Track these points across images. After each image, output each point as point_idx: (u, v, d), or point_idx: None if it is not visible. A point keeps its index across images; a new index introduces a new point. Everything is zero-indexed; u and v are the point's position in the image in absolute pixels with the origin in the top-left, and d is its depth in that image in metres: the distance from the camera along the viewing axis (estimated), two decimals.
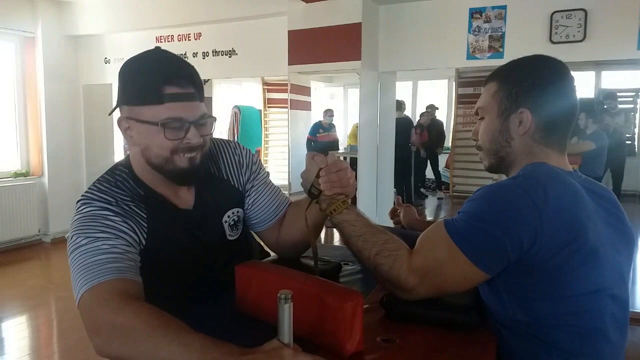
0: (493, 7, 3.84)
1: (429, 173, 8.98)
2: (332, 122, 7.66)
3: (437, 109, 8.72)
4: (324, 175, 1.10)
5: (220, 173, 1.29)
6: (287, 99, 5.38)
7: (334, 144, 7.61)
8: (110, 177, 1.16)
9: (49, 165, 5.61)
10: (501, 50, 3.84)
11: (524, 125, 1.03)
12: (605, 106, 6.96)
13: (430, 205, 8.48)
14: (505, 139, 1.07)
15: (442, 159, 9.10)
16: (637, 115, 8.54)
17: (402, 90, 9.48)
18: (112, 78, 5.71)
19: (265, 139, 9.30)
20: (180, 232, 1.19)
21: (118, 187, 1.14)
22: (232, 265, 1.12)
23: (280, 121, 8.80)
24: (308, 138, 6.96)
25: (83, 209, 1.08)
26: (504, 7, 3.80)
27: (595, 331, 0.95)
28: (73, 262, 1.01)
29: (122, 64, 1.12)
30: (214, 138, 1.30)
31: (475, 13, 3.91)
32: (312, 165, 1.13)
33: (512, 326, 0.97)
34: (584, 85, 9.11)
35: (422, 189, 8.84)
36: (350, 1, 3.97)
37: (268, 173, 1.41)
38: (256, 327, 0.98)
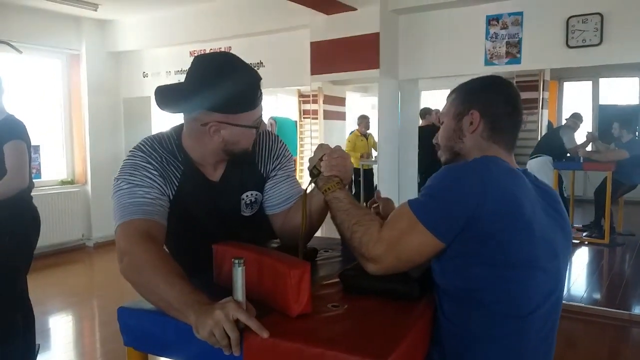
0: (510, 14, 3.89)
1: None
2: (368, 132, 7.67)
3: None
4: (325, 159, 1.28)
5: (253, 158, 1.47)
6: (321, 110, 5.58)
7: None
8: (160, 139, 1.40)
9: (92, 174, 5.98)
10: (518, 56, 3.89)
11: (474, 124, 1.20)
12: None
13: None
14: (459, 136, 1.23)
15: None
16: None
17: (433, 99, 9.48)
18: (149, 91, 6.04)
19: (301, 149, 9.51)
20: (203, 198, 1.41)
21: (163, 147, 1.37)
22: (239, 236, 1.33)
23: (315, 132, 8.99)
24: None
25: (131, 158, 1.34)
26: (520, 14, 3.85)
27: (523, 299, 1.05)
28: (115, 201, 1.28)
29: (199, 74, 1.26)
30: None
31: (492, 20, 3.97)
32: (318, 150, 1.33)
33: (452, 292, 1.08)
34: (628, 91, 8.88)
35: None
36: (369, 12, 4.12)
37: (295, 169, 1.59)
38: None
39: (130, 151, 1.36)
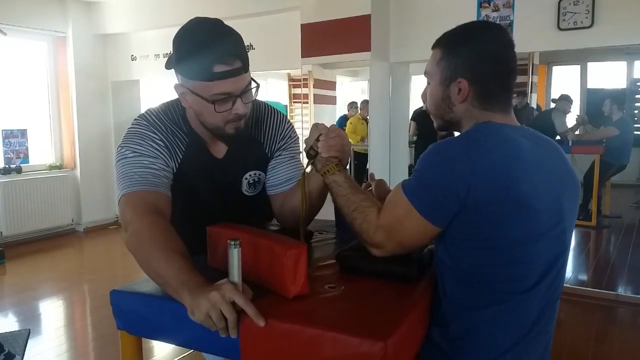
0: None
1: None
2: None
3: None
4: (322, 140, 1.24)
5: (259, 136, 1.45)
6: (312, 94, 5.55)
7: None
8: (166, 109, 1.36)
9: (81, 158, 5.92)
10: None
11: (462, 94, 1.11)
12: (638, 95, 6.80)
13: None
14: (447, 105, 1.15)
15: None
16: None
17: (420, 83, 9.46)
18: (138, 74, 5.97)
19: None
20: (206, 174, 1.39)
21: (169, 118, 1.34)
22: (239, 216, 1.29)
23: (306, 116, 8.95)
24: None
25: (136, 127, 1.30)
26: None
27: (526, 273, 1.04)
28: (119, 169, 1.25)
29: (177, 32, 1.23)
30: (267, 104, 1.48)
31: (484, 2, 3.94)
32: (314, 130, 1.27)
33: (454, 272, 1.08)
34: (615, 75, 8.93)
35: None
36: None
37: (300, 152, 1.53)
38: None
39: (135, 119, 1.33)
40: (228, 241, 0.94)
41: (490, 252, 1.02)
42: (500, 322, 1.05)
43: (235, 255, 0.95)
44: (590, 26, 3.57)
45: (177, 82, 1.28)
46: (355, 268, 1.16)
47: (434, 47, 1.18)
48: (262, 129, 1.45)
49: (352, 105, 7.83)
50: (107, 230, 6.02)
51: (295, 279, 1.00)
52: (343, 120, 7.56)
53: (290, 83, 9.56)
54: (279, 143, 1.47)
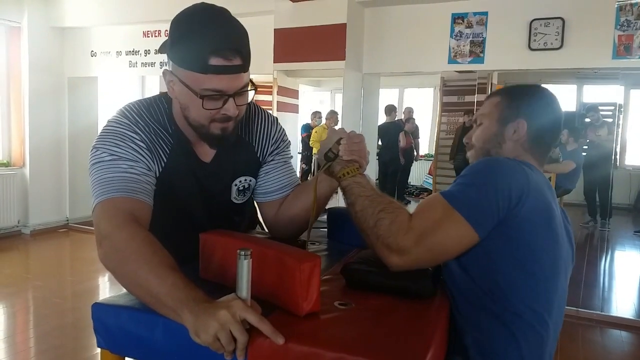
0: (475, 13, 3.93)
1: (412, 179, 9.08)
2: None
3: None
4: (344, 143, 1.17)
5: (250, 139, 1.33)
6: (275, 101, 5.46)
7: None
8: (149, 105, 1.21)
9: (31, 157, 5.59)
10: (482, 55, 3.93)
11: (518, 133, 1.16)
12: (588, 119, 7.08)
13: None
14: (499, 141, 1.18)
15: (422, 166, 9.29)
16: (619, 129, 8.68)
17: (390, 97, 9.57)
18: (98, 71, 5.71)
19: None
20: (192, 179, 1.25)
21: (152, 116, 1.19)
22: (226, 224, 1.18)
23: None
24: (304, 136, 7.11)
25: (114, 126, 1.15)
26: (485, 14, 3.89)
27: (548, 303, 1.03)
28: (93, 174, 1.10)
29: (175, 16, 1.11)
30: (258, 106, 1.36)
31: (457, 18, 3.99)
32: (333, 133, 1.22)
33: (469, 294, 1.03)
34: (567, 98, 9.30)
35: (405, 195, 8.91)
36: (336, 2, 4.04)
37: (292, 157, 1.44)
38: (220, 292, 1.02)
39: (114, 116, 1.18)
40: (238, 251, 0.84)
41: (519, 275, 0.99)
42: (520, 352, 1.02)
43: (245, 267, 0.85)
44: (560, 47, 3.67)
45: (167, 68, 1.15)
46: (365, 283, 1.07)
47: (491, 95, 1.23)
48: (253, 131, 1.33)
49: (315, 114, 7.79)
50: (56, 233, 5.69)
51: (308, 295, 0.91)
52: (307, 128, 7.50)
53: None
54: (271, 147, 1.36)
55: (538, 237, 0.98)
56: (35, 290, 4.02)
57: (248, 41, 1.13)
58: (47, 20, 5.57)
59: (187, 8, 1.11)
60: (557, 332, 1.10)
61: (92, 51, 5.63)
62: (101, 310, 1.00)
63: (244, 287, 0.85)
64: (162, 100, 1.23)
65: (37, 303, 3.75)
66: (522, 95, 1.20)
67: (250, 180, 1.36)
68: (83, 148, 5.89)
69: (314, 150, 7.81)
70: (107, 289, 4.12)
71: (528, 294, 1.00)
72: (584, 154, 6.21)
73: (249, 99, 1.19)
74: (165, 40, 1.15)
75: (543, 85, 1.24)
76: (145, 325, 0.95)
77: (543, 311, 1.01)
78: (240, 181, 1.33)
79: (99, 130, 1.19)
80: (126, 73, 5.54)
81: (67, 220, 5.94)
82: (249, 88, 1.15)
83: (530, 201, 0.96)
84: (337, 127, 1.22)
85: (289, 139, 1.41)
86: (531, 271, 0.99)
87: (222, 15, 1.10)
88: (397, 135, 7.69)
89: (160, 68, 5.18)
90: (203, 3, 1.12)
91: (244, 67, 1.11)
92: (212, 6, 1.11)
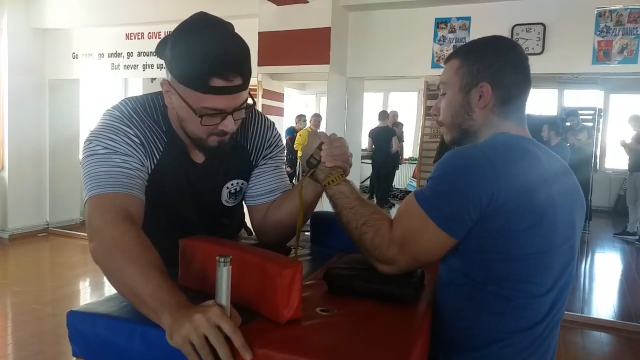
0: (458, 18, 3.96)
1: (397, 182, 9.13)
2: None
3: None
4: (326, 148, 1.15)
5: (245, 142, 1.31)
6: (260, 104, 5.45)
7: None
8: (145, 102, 1.20)
9: (10, 160, 5.49)
10: None
11: (484, 99, 1.08)
12: (568, 123, 7.17)
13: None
14: (467, 112, 1.10)
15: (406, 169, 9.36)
16: (599, 133, 8.83)
17: (374, 101, 9.62)
18: (79, 73, 5.64)
19: None
20: (184, 179, 1.25)
21: (147, 113, 1.19)
22: (215, 227, 1.18)
23: None
24: (288, 139, 7.12)
25: (109, 120, 1.14)
26: (468, 19, 3.93)
27: (541, 283, 1.01)
28: (86, 166, 1.09)
29: (180, 24, 1.08)
30: (256, 109, 1.33)
31: (440, 23, 4.02)
32: (314, 138, 1.19)
33: (465, 288, 1.02)
34: (548, 102, 9.42)
35: (389, 198, 8.95)
36: (320, 5, 4.04)
37: (285, 163, 1.43)
38: (201, 299, 1.00)
39: (108, 111, 1.17)
40: (217, 258, 0.83)
41: (509, 263, 0.98)
42: (513, 337, 1.01)
43: (224, 275, 0.83)
44: (541, 53, 3.71)
45: (165, 78, 1.14)
46: (347, 288, 1.06)
47: (449, 58, 1.15)
48: (248, 135, 1.32)
49: (300, 117, 7.81)
50: (36, 237, 5.59)
51: (289, 302, 0.89)
52: (291, 132, 7.50)
53: None
54: (265, 151, 1.35)
55: (519, 225, 0.95)
56: (13, 296, 3.95)
57: (249, 58, 1.11)
58: (27, 21, 5.49)
59: (190, 19, 1.09)
60: (562, 297, 1.06)
61: (74, 53, 5.56)
62: (77, 318, 0.97)
63: (224, 294, 0.84)
64: (159, 99, 1.22)
65: (16, 309, 3.68)
66: (478, 53, 1.10)
67: (242, 184, 1.35)
68: (64, 150, 5.82)
69: (299, 154, 7.82)
70: (87, 294, 4.06)
71: (515, 277, 0.99)
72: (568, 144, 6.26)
73: (245, 115, 1.18)
74: (163, 44, 1.12)
75: (498, 35, 1.14)
76: (122, 334, 0.93)
77: (534, 288, 1.00)
78: (232, 184, 1.32)
79: (80, 134, 1.17)
80: (108, 75, 5.48)
81: (47, 225, 5.84)
82: (247, 103, 1.14)
83: (503, 194, 0.94)
84: (319, 130, 1.20)
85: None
86: (517, 258, 0.97)
87: (225, 33, 1.09)
88: (389, 139, 7.84)
89: (143, 71, 5.14)
90: (206, 16, 1.10)
91: (245, 85, 1.10)
92: (215, 22, 1.09)
